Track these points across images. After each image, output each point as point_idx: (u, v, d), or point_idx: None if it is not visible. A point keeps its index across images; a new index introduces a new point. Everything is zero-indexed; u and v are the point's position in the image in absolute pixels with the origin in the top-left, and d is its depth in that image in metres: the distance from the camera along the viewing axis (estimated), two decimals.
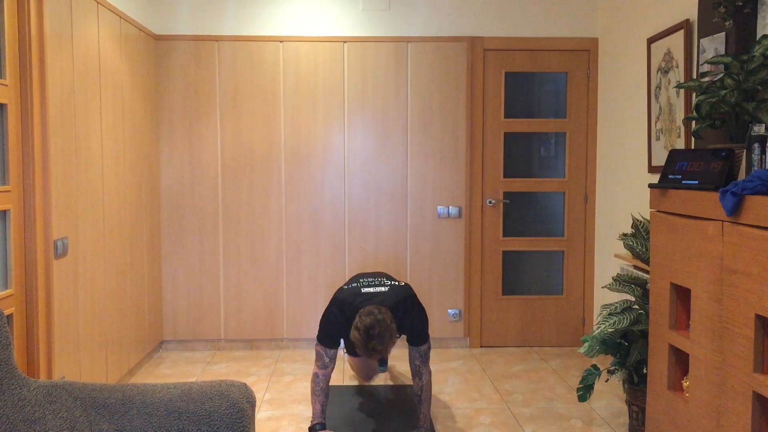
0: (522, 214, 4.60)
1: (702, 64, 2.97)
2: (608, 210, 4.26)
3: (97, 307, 3.36)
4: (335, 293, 3.02)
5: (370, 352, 2.71)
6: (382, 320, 2.71)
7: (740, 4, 2.64)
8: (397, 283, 3.06)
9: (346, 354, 3.94)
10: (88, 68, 3.28)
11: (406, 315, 2.91)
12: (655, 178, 3.51)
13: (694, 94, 3.09)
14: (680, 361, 2.41)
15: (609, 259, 4.24)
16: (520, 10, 4.46)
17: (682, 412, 2.29)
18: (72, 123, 3.08)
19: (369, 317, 2.72)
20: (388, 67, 4.43)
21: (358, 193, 4.48)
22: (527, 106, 4.56)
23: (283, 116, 4.43)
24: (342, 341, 3.36)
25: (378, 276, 3.17)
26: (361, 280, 3.10)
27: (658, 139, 3.46)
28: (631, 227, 3.25)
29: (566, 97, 4.51)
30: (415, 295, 2.98)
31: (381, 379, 3.90)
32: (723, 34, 2.79)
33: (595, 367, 3.01)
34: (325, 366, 2.93)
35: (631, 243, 3.08)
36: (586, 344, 2.95)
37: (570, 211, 4.55)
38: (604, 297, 4.34)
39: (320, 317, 4.05)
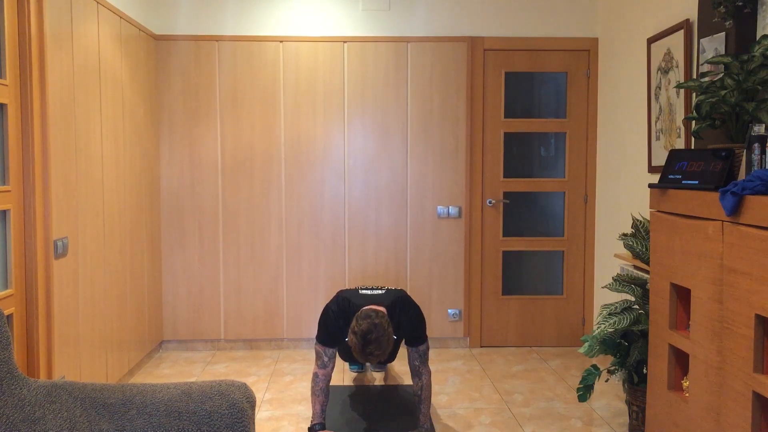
0: (522, 214, 4.60)
1: (702, 64, 2.97)
2: (608, 210, 4.26)
3: (97, 307, 3.36)
4: (335, 294, 3.06)
5: (367, 356, 2.71)
6: (379, 324, 2.69)
7: (740, 4, 2.64)
8: (393, 288, 3.10)
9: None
10: (88, 68, 3.28)
11: (403, 314, 2.94)
12: (655, 178, 3.51)
13: (694, 94, 3.09)
14: (680, 361, 2.41)
15: (609, 259, 4.24)
16: (520, 10, 4.46)
17: (682, 412, 2.29)
18: (72, 123, 3.08)
19: (366, 321, 2.70)
20: (388, 67, 4.43)
21: (358, 193, 4.48)
22: (527, 106, 4.56)
23: (283, 116, 4.43)
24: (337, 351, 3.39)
25: (376, 285, 3.22)
26: (359, 286, 3.15)
27: (658, 139, 3.46)
28: (631, 227, 3.25)
29: (566, 97, 4.51)
30: (410, 297, 3.02)
31: (380, 379, 3.90)
32: (723, 34, 2.79)
33: (595, 367, 3.01)
34: (325, 365, 2.94)
35: (631, 243, 3.08)
36: (586, 344, 2.96)
37: (570, 211, 4.55)
38: (604, 297, 4.34)
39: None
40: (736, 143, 2.34)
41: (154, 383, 2.06)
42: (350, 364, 4.02)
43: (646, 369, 2.96)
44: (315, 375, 2.94)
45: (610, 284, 3.14)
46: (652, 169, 3.54)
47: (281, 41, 4.39)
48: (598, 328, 2.94)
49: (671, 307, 2.39)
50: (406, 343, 3.00)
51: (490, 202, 4.52)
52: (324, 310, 2.99)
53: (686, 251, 2.24)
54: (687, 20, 3.14)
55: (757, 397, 1.85)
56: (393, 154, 4.48)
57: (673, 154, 2.45)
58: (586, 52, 4.48)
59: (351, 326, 2.76)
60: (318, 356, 2.96)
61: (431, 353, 4.45)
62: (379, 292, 3.02)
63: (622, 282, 3.08)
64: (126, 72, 3.80)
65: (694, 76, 3.11)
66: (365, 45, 4.41)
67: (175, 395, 2.00)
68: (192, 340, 4.51)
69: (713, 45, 2.87)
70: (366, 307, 2.84)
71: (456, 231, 4.51)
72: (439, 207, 4.50)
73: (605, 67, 4.32)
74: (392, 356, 3.46)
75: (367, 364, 4.07)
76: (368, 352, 2.69)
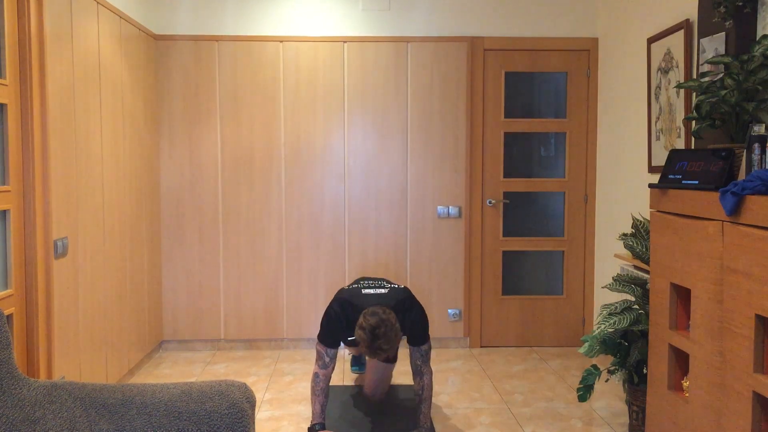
0: (522, 214, 4.60)
1: (702, 64, 2.97)
2: (608, 210, 4.26)
3: (97, 307, 3.36)
4: (336, 293, 3.05)
5: (376, 351, 2.73)
6: (386, 320, 2.73)
7: (740, 4, 2.64)
8: (396, 285, 3.09)
9: (351, 362, 3.93)
10: (88, 68, 3.28)
11: (406, 315, 2.94)
12: (655, 178, 3.51)
13: (694, 94, 3.09)
14: (680, 361, 2.41)
15: (609, 259, 4.24)
16: (520, 10, 4.46)
17: (682, 412, 2.29)
18: (72, 123, 3.08)
19: (374, 317, 2.73)
20: (388, 67, 4.43)
21: (358, 193, 4.48)
22: (527, 106, 4.56)
23: (283, 116, 4.43)
24: (350, 354, 3.37)
25: (378, 279, 3.23)
26: (362, 282, 3.15)
27: (658, 139, 3.46)
28: (631, 227, 3.25)
29: (566, 97, 4.51)
30: (414, 296, 3.02)
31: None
32: (723, 34, 2.79)
33: (595, 367, 3.01)
34: (326, 366, 2.94)
35: (631, 243, 3.08)
36: (586, 344, 2.95)
37: (570, 211, 4.55)
38: (604, 297, 4.34)
39: (321, 317, 4.05)
40: (736, 143, 2.34)
41: (154, 383, 2.07)
42: (351, 365, 4.02)
43: (646, 369, 2.96)
44: (315, 375, 2.94)
45: (610, 284, 3.14)
46: (652, 169, 3.54)
47: (281, 41, 4.39)
48: (598, 328, 2.94)
49: (671, 307, 2.39)
50: (408, 343, 3.00)
51: (490, 202, 4.52)
52: (326, 310, 2.99)
53: (686, 251, 2.24)
54: (687, 20, 3.14)
55: (757, 397, 1.85)
56: (393, 154, 4.47)
57: (673, 154, 2.45)
58: (586, 52, 4.48)
59: (358, 322, 2.78)
60: (319, 356, 2.96)
61: (432, 353, 4.45)
62: (382, 291, 3.01)
63: (622, 282, 3.08)
64: (126, 72, 3.80)
65: (694, 76, 3.11)
66: (365, 45, 4.41)
67: (175, 395, 2.00)
68: (192, 340, 4.51)
69: (713, 45, 2.87)
70: (372, 306, 2.85)
71: (456, 231, 4.51)
72: (439, 207, 4.50)
73: (605, 67, 4.32)
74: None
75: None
76: (377, 346, 2.72)
